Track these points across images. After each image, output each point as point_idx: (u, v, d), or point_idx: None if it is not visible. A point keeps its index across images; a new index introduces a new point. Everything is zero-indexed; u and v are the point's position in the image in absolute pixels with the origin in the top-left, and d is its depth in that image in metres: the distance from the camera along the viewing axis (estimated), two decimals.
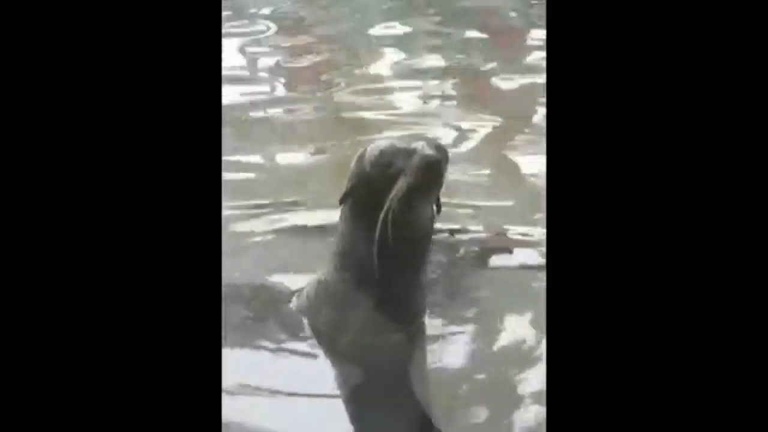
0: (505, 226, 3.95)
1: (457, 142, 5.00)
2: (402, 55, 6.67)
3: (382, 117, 5.44)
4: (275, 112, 5.65)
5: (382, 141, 3.00)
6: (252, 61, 6.65)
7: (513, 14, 7.55)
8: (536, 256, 3.62)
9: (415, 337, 3.09)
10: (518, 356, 3.06)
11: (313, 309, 3.14)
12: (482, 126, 5.26)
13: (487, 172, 4.67)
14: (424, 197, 2.91)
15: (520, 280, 3.50)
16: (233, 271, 3.27)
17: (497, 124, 5.32)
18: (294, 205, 4.17)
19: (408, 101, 5.77)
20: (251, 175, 4.60)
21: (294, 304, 3.23)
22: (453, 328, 3.21)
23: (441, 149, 2.88)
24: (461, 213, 4.02)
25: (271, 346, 3.10)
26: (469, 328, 3.23)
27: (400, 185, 2.82)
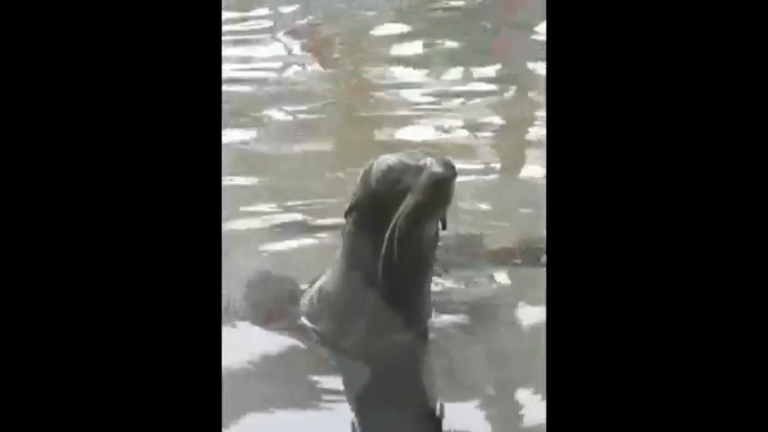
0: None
1: None
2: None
3: None
4: None
5: (390, 156, 2.98)
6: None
7: None
8: None
9: (420, 340, 3.09)
10: None
11: (315, 315, 3.15)
12: None
13: None
14: (431, 215, 2.91)
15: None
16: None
17: None
18: None
19: None
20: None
21: (300, 310, 3.23)
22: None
23: (449, 166, 2.85)
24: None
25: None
26: None
27: (408, 202, 2.81)
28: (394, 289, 2.98)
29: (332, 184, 4.43)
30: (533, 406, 2.78)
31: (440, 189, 2.82)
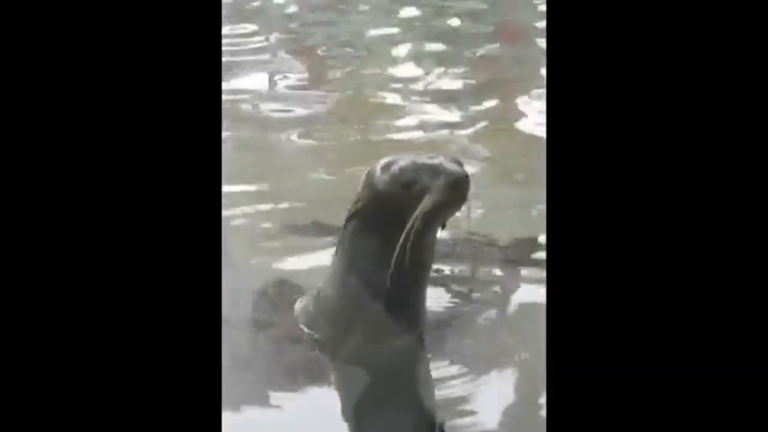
0: None
1: None
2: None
3: None
4: None
5: (397, 157, 2.94)
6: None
7: None
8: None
9: (417, 343, 3.08)
10: None
11: (311, 320, 3.13)
12: None
13: None
14: (446, 215, 2.89)
15: None
16: None
17: None
18: None
19: None
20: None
21: (296, 315, 3.22)
22: None
23: (462, 165, 2.84)
24: None
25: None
26: None
27: (426, 203, 2.78)
28: (397, 293, 2.96)
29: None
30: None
31: (460, 188, 2.79)
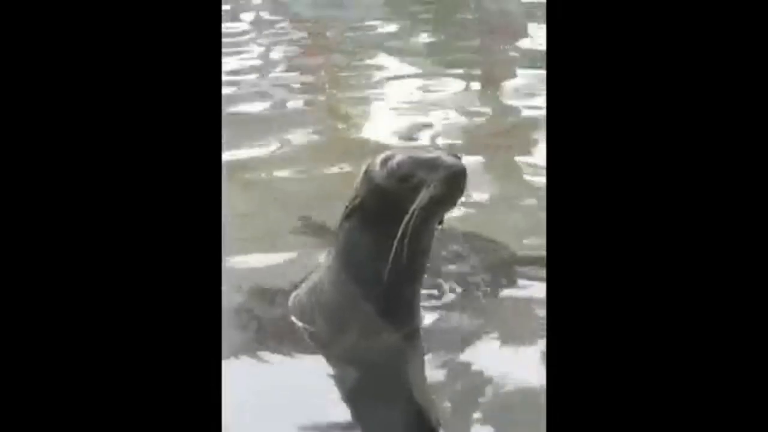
0: None
1: None
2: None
3: None
4: None
5: (395, 152, 2.95)
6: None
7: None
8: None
9: (412, 339, 3.09)
10: None
11: (306, 315, 3.14)
12: None
13: None
14: (444, 209, 2.90)
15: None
16: None
17: None
18: None
19: None
20: None
21: (289, 308, 3.22)
22: None
23: (459, 160, 2.85)
24: None
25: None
26: None
27: (423, 197, 2.78)
28: (394, 288, 2.97)
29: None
30: None
31: (457, 182, 2.79)
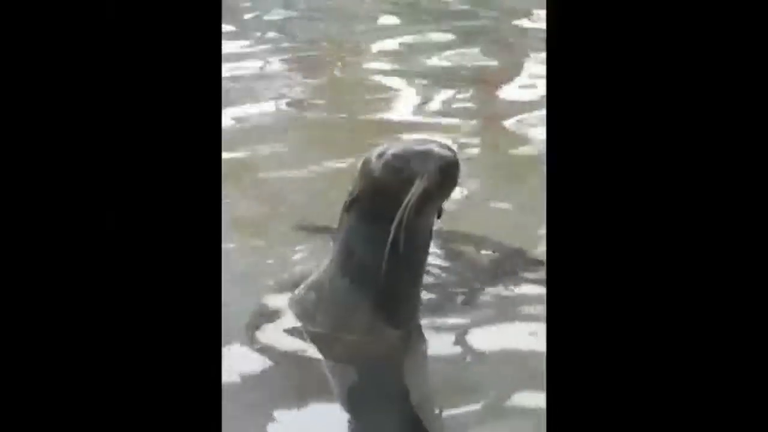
0: None
1: None
2: None
3: None
4: None
5: (391, 145, 2.98)
6: None
7: None
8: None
9: (412, 337, 3.10)
10: None
11: (308, 312, 3.13)
12: None
13: None
14: (438, 200, 2.91)
15: None
16: None
17: None
18: None
19: None
20: None
21: (290, 306, 3.22)
22: None
23: (453, 151, 2.87)
24: None
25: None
26: None
27: (416, 188, 2.80)
28: (393, 284, 2.97)
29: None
30: None
31: (448, 173, 2.82)
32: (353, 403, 2.91)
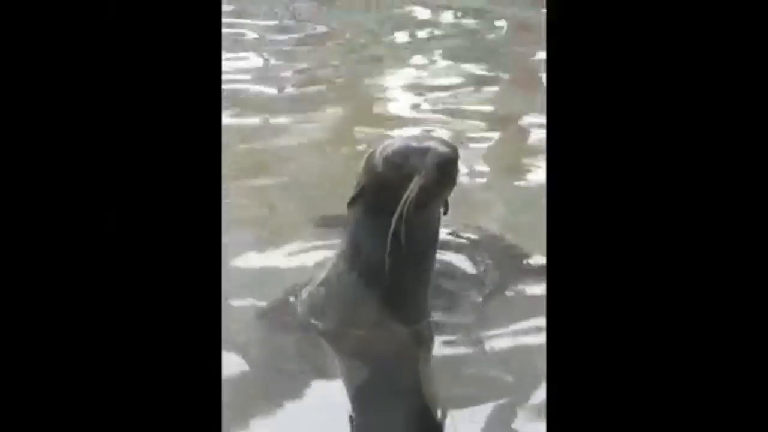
0: None
1: None
2: None
3: None
4: None
5: (393, 140, 2.99)
6: None
7: None
8: None
9: (422, 335, 3.10)
10: None
11: (317, 308, 3.14)
12: None
13: None
14: (437, 196, 2.91)
15: None
16: None
17: None
18: None
19: None
20: None
21: (298, 303, 3.22)
22: None
23: (453, 148, 2.87)
24: None
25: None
26: None
27: (414, 185, 2.81)
28: (399, 279, 2.97)
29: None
30: None
31: (446, 170, 2.82)
32: (362, 399, 2.90)
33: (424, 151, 2.83)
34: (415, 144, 2.89)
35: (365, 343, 3.04)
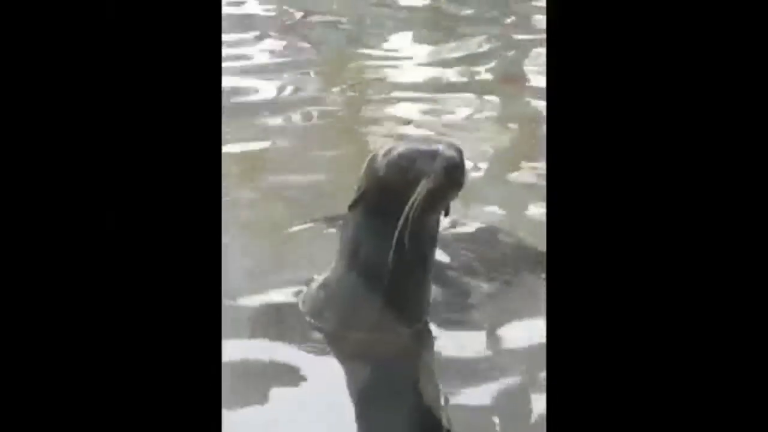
0: None
1: None
2: None
3: None
4: None
5: (398, 144, 2.99)
6: None
7: None
8: None
9: (422, 335, 3.10)
10: None
11: (317, 310, 3.14)
12: None
13: None
14: (444, 199, 2.92)
15: None
16: None
17: None
18: None
19: None
20: None
21: (299, 304, 3.22)
22: None
23: (460, 151, 2.87)
24: None
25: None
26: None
27: (422, 189, 2.81)
28: (400, 282, 2.98)
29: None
30: None
31: (454, 174, 2.82)
32: (363, 401, 2.90)
33: (432, 155, 2.83)
34: (421, 147, 2.89)
35: (365, 344, 3.04)
